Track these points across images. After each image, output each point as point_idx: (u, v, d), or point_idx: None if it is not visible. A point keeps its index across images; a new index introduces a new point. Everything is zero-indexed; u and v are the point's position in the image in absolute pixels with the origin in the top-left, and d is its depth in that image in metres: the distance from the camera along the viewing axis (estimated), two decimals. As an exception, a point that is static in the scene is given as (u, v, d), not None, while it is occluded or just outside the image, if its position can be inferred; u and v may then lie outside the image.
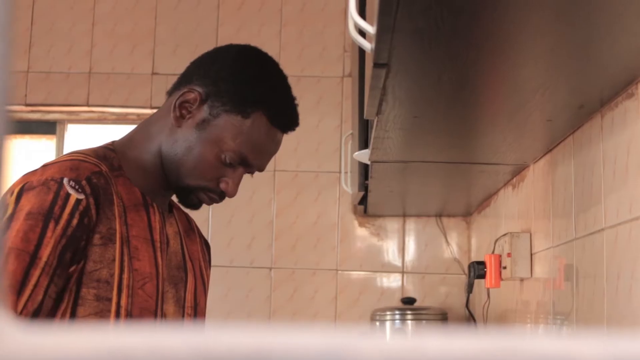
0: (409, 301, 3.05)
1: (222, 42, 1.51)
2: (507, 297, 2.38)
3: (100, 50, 3.40)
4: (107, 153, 1.36)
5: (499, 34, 1.08)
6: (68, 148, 3.43)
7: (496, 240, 2.27)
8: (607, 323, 1.44)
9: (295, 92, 1.45)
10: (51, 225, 1.19)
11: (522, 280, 2.17)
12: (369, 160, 1.97)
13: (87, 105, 3.40)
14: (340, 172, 3.26)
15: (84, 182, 1.24)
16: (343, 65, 3.34)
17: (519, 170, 2.15)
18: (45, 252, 1.18)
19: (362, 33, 1.08)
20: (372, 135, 1.66)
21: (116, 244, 1.26)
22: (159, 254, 1.33)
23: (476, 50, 1.14)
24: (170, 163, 1.37)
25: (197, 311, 1.43)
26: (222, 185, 1.37)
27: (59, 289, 1.20)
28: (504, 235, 2.16)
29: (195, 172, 1.36)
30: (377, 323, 2.97)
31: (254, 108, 1.36)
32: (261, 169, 1.42)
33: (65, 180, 1.23)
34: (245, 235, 3.28)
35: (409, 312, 2.96)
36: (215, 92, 1.36)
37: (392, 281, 3.27)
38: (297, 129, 1.44)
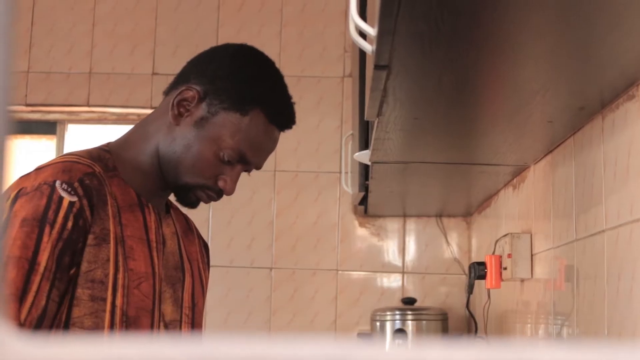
0: (409, 301, 3.05)
1: (223, 42, 1.51)
2: (508, 297, 2.37)
3: (101, 50, 3.40)
4: (102, 154, 1.35)
5: (499, 35, 1.07)
6: (68, 148, 3.43)
7: (497, 241, 2.27)
8: (607, 324, 1.43)
9: (296, 92, 1.45)
10: (47, 229, 1.19)
11: (522, 281, 2.16)
12: (370, 161, 1.97)
13: (88, 105, 3.40)
14: (340, 172, 3.26)
15: (76, 184, 1.24)
16: (343, 66, 3.34)
17: (520, 171, 2.15)
18: (44, 257, 1.17)
19: (362, 35, 1.08)
20: (373, 136, 1.66)
21: (110, 244, 1.25)
22: (155, 253, 1.33)
23: (476, 51, 1.14)
24: (168, 161, 1.37)
25: (195, 312, 1.42)
26: (221, 183, 1.37)
27: (61, 292, 1.20)
28: (505, 235, 2.16)
29: (194, 170, 1.36)
30: (377, 323, 2.97)
31: (252, 106, 1.36)
32: (259, 167, 1.42)
33: (57, 183, 1.22)
34: (245, 236, 3.28)
35: (409, 312, 2.96)
36: (213, 90, 1.36)
37: (392, 281, 3.26)
38: (298, 129, 1.44)
